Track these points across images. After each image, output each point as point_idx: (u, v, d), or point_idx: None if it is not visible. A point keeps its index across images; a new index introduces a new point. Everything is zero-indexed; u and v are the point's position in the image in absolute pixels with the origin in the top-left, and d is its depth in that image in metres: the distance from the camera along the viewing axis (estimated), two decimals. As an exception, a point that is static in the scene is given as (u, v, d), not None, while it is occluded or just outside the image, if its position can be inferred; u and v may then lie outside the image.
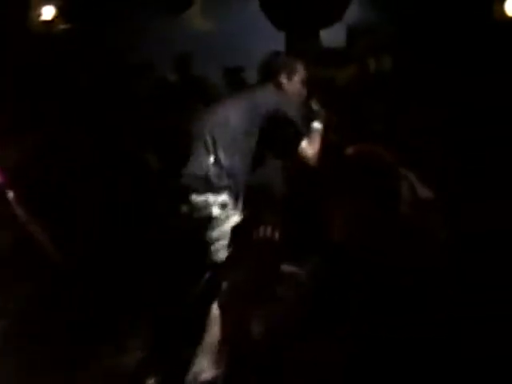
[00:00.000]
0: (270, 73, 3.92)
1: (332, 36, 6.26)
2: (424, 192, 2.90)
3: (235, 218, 3.62)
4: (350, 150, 2.58)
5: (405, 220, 2.55)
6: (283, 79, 3.90)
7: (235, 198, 3.67)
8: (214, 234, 3.59)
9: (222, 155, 3.65)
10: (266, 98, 3.78)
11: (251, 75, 5.08)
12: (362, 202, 2.51)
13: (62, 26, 5.97)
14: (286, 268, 2.94)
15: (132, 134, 5.33)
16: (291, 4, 6.01)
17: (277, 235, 2.82)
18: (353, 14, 6.26)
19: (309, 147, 3.78)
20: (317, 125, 3.92)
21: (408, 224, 2.55)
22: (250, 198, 3.87)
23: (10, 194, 3.44)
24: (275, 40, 6.12)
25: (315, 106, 3.97)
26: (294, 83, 3.93)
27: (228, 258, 3.25)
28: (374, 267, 2.43)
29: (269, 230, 2.80)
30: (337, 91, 5.46)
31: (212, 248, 3.58)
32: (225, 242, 3.54)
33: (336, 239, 2.57)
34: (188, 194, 3.65)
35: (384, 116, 5.12)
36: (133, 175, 4.98)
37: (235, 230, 3.25)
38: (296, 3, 5.99)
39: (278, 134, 3.74)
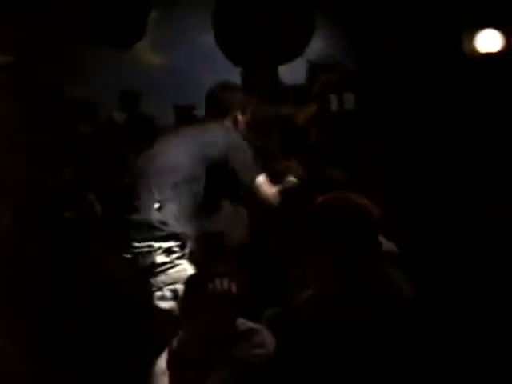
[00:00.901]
0: (222, 108, 3.79)
1: (292, 72, 6.09)
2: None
3: (183, 266, 3.47)
4: (323, 199, 2.65)
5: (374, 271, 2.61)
6: (238, 115, 3.77)
7: (182, 245, 3.50)
8: (160, 279, 3.43)
9: (166, 200, 3.48)
10: (216, 138, 3.61)
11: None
12: (337, 249, 2.53)
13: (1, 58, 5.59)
14: (243, 324, 2.86)
15: (74, 176, 5.03)
16: (248, 37, 5.80)
17: (234, 288, 2.80)
18: (314, 49, 6.07)
19: (267, 192, 3.64)
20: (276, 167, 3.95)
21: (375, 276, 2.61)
22: (203, 247, 3.77)
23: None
24: (231, 75, 5.87)
25: (273, 146, 3.74)
26: (247, 120, 3.82)
27: (181, 311, 3.07)
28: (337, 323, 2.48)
29: (225, 282, 2.79)
30: (296, 130, 5.25)
31: (158, 294, 3.43)
32: (172, 287, 3.40)
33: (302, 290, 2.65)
34: (131, 241, 3.47)
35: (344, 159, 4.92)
36: (75, 218, 4.76)
37: (189, 281, 3.05)
38: (253, 37, 5.78)
39: (230, 179, 3.59)
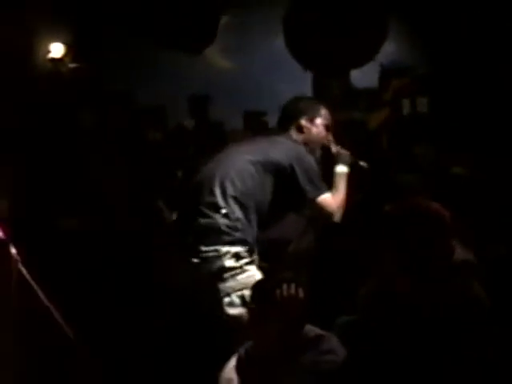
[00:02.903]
0: (290, 116, 3.80)
1: (363, 77, 6.06)
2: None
3: (252, 271, 3.46)
4: (396, 205, 2.71)
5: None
6: (304, 122, 3.76)
7: (250, 250, 3.50)
8: (229, 284, 3.43)
9: (231, 206, 3.49)
10: (283, 150, 3.62)
11: (274, 119, 4.96)
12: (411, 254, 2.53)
13: (71, 65, 5.71)
14: (312, 331, 2.84)
15: (145, 183, 5.14)
16: (320, 41, 5.77)
17: (301, 293, 2.78)
18: (386, 54, 6.02)
19: (330, 207, 3.62)
20: (341, 168, 3.77)
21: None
22: (271, 254, 3.76)
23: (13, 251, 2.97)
24: (302, 80, 5.92)
25: (334, 148, 3.82)
26: (316, 126, 3.79)
27: (249, 317, 3.03)
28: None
29: (293, 287, 2.78)
30: (368, 135, 5.21)
31: (227, 300, 3.42)
32: (240, 293, 3.39)
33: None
34: (199, 246, 3.48)
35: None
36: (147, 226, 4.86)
37: (256, 287, 3.03)
38: (325, 41, 5.74)
39: (296, 192, 3.58)
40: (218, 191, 3.52)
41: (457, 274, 2.64)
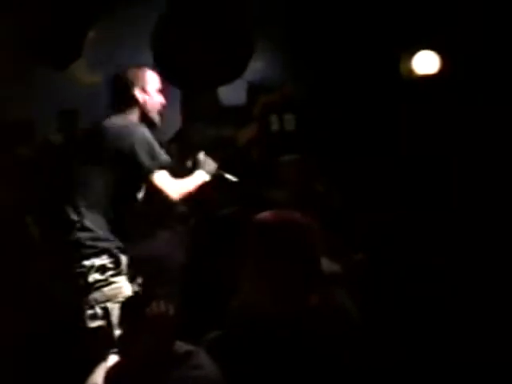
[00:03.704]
0: (120, 92, 3.71)
1: (232, 93, 6.11)
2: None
3: (118, 284, 3.47)
4: (266, 216, 2.61)
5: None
6: (137, 94, 3.69)
7: (116, 261, 3.48)
8: (93, 297, 3.41)
9: (87, 219, 3.47)
10: (118, 140, 3.55)
11: None
12: (277, 266, 2.50)
13: None
14: (181, 347, 2.84)
15: (11, 198, 4.95)
16: (188, 58, 5.79)
17: (171, 310, 2.78)
18: (253, 71, 6.09)
19: (166, 183, 3.55)
20: (200, 173, 3.75)
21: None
22: (140, 271, 3.74)
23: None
24: (169, 97, 5.86)
25: (202, 156, 3.82)
26: (149, 94, 3.72)
27: (118, 333, 3.03)
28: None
29: (162, 304, 2.77)
30: (237, 151, 5.27)
31: (90, 312, 3.41)
32: (104, 305, 3.39)
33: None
34: (68, 261, 3.48)
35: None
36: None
37: (126, 303, 3.03)
38: (193, 58, 5.79)
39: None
40: (70, 203, 3.49)
41: (323, 285, 2.70)
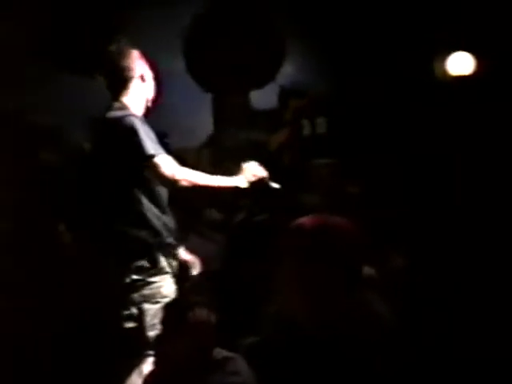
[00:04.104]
0: (120, 81, 3.65)
1: (263, 97, 6.10)
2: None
3: (157, 283, 3.47)
4: (306, 221, 2.56)
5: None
6: (136, 82, 3.65)
7: (153, 260, 3.48)
8: (131, 297, 3.43)
9: (123, 220, 3.51)
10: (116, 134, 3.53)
11: (176, 140, 5.07)
12: (321, 274, 2.46)
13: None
14: (219, 353, 2.89)
15: (46, 208, 4.96)
16: (219, 63, 5.80)
17: (212, 317, 2.83)
18: (286, 74, 6.10)
19: (169, 168, 3.47)
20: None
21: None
22: (181, 276, 3.73)
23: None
24: (201, 102, 5.87)
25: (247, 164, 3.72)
26: (144, 81, 3.69)
27: (158, 337, 3.09)
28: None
29: (205, 312, 2.84)
30: (269, 156, 5.26)
31: (126, 312, 3.43)
32: (140, 306, 3.40)
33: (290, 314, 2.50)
34: (110, 262, 3.53)
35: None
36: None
37: (168, 308, 3.12)
38: (224, 62, 5.80)
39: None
40: (102, 210, 3.54)
41: (362, 290, 2.68)
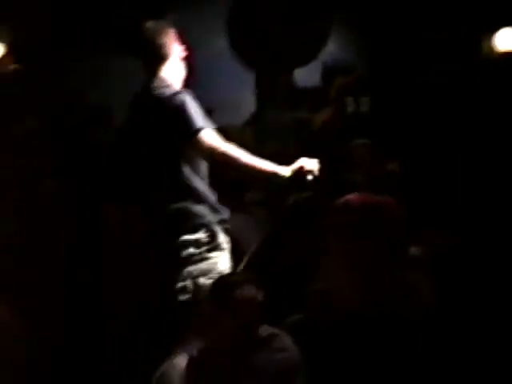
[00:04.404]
0: (156, 59, 3.65)
1: (307, 76, 6.09)
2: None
3: (213, 259, 3.52)
4: (352, 198, 2.59)
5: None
6: (172, 59, 3.68)
7: (211, 235, 3.52)
8: (187, 270, 3.47)
9: (182, 193, 3.55)
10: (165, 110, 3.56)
11: (220, 118, 4.94)
12: (369, 252, 2.47)
13: (12, 66, 5.56)
14: (265, 330, 2.90)
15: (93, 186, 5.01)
16: (263, 41, 5.83)
17: (260, 295, 2.84)
18: (329, 52, 6.13)
19: (215, 141, 3.50)
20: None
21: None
22: (233, 247, 3.72)
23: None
24: (244, 80, 5.88)
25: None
26: (178, 51, 3.71)
27: (205, 315, 3.06)
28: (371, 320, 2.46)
29: (253, 289, 2.84)
30: (313, 134, 5.24)
31: (181, 284, 3.46)
32: (196, 279, 3.44)
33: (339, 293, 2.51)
34: (161, 235, 3.56)
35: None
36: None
37: (217, 284, 3.09)
38: (268, 40, 5.80)
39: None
40: (157, 184, 3.55)
41: (406, 269, 2.68)
